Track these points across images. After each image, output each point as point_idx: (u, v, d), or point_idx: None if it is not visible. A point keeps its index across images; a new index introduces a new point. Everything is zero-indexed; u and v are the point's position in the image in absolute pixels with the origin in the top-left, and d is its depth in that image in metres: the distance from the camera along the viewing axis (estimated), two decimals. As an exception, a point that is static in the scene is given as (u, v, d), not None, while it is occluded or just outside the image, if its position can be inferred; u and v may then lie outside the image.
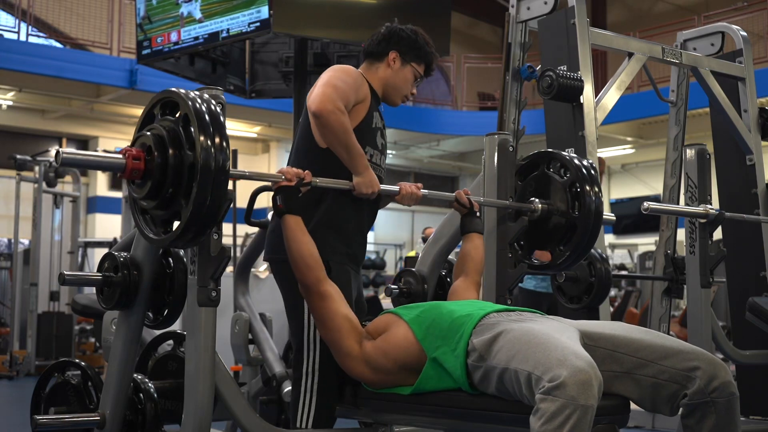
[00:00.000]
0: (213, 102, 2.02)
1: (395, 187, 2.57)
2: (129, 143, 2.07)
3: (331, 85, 2.46)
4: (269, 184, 2.34)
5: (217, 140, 1.93)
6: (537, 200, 2.71)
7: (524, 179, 2.81)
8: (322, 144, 2.54)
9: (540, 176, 2.76)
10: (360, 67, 2.74)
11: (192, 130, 1.95)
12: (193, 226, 1.95)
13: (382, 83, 2.71)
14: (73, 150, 1.99)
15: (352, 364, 2.27)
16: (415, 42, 2.71)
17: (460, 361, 2.08)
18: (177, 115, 2.01)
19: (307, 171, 2.31)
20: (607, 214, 2.70)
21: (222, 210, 1.98)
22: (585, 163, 2.68)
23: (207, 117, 1.96)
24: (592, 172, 2.65)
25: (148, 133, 2.01)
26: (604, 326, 2.15)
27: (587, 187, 2.62)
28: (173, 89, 2.06)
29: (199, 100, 1.99)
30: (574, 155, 2.71)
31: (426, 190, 2.64)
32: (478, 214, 2.73)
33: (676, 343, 2.08)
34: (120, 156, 1.98)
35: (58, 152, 1.91)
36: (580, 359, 1.83)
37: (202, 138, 1.92)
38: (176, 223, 2.00)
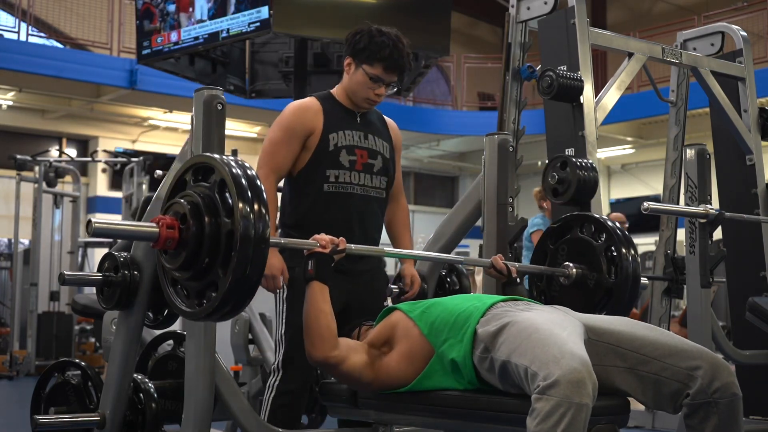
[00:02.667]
0: (248, 166, 1.91)
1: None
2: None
3: (262, 154, 2.61)
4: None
5: (255, 207, 1.82)
6: (571, 264, 2.62)
7: (556, 242, 2.71)
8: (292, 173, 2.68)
9: (573, 240, 2.66)
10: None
11: (229, 196, 1.84)
12: (231, 298, 1.83)
13: (345, 91, 2.74)
14: (103, 219, 1.89)
15: (371, 387, 2.27)
16: (360, 43, 2.67)
17: (467, 352, 2.08)
18: (212, 181, 1.90)
19: (341, 238, 2.25)
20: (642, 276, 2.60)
21: (260, 280, 1.88)
22: (619, 225, 2.61)
23: (244, 182, 1.84)
24: (628, 234, 2.58)
25: (182, 200, 1.90)
26: (611, 321, 2.16)
27: (623, 251, 2.53)
28: (206, 154, 1.97)
29: (234, 165, 1.88)
30: (608, 218, 2.64)
31: (455, 256, 2.75)
32: (518, 280, 2.59)
33: (681, 341, 2.09)
34: (153, 225, 1.88)
35: (89, 222, 1.84)
36: (575, 358, 1.84)
37: (240, 205, 1.81)
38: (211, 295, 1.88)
